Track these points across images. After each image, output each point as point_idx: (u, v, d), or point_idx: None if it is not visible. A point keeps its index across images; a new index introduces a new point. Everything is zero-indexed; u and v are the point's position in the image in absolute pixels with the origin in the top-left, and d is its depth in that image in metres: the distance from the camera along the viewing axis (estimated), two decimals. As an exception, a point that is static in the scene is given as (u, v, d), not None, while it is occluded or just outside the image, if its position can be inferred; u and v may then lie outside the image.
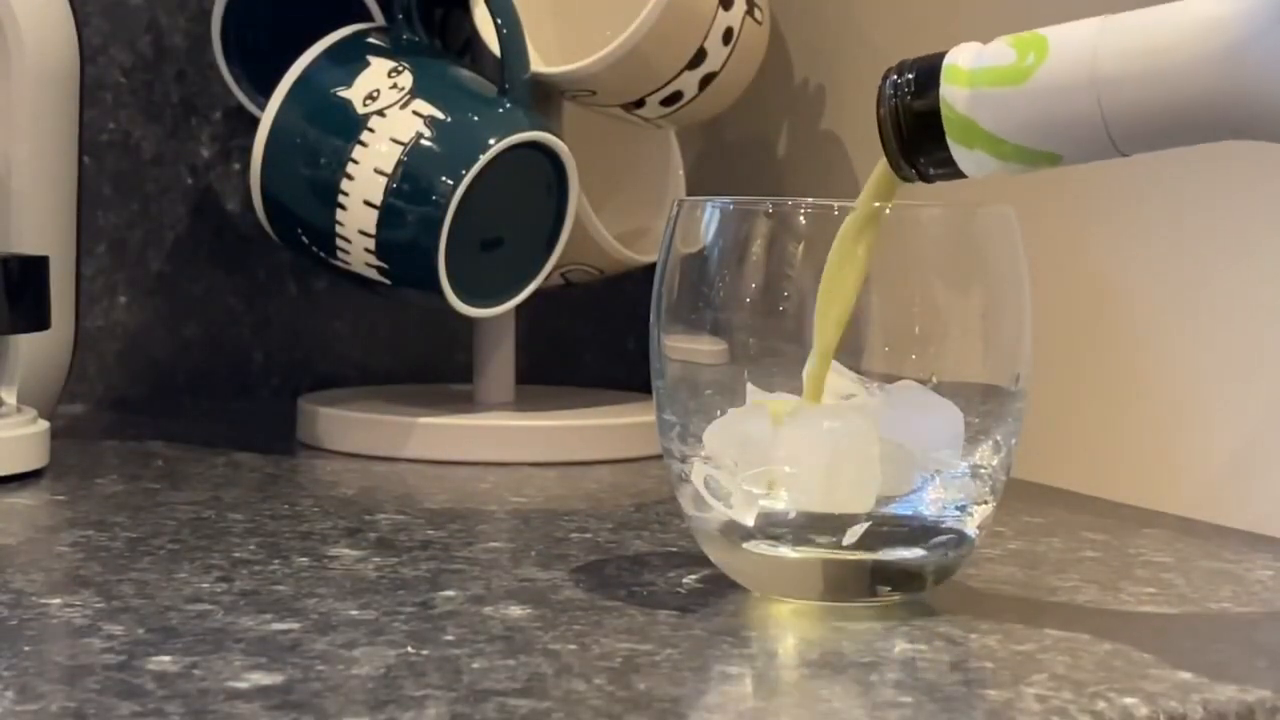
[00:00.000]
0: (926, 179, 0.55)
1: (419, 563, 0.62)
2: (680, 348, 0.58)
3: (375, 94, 0.82)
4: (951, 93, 0.53)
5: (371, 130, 0.81)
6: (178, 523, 0.68)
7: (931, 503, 0.57)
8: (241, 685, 0.47)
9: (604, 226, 0.89)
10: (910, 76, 0.54)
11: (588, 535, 0.67)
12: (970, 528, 0.57)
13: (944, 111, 0.53)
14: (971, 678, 0.50)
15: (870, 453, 0.55)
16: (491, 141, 0.81)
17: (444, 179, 0.80)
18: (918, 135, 0.54)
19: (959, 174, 0.54)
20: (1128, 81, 0.51)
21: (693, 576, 0.60)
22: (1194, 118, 0.51)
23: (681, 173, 0.96)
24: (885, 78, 0.54)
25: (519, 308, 0.86)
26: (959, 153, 0.53)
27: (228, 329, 1.02)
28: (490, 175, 0.81)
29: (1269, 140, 0.51)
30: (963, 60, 0.53)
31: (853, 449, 0.55)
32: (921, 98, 0.54)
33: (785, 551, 0.56)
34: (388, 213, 0.81)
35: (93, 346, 0.98)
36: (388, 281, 0.83)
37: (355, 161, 0.81)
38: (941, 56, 0.54)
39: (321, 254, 0.83)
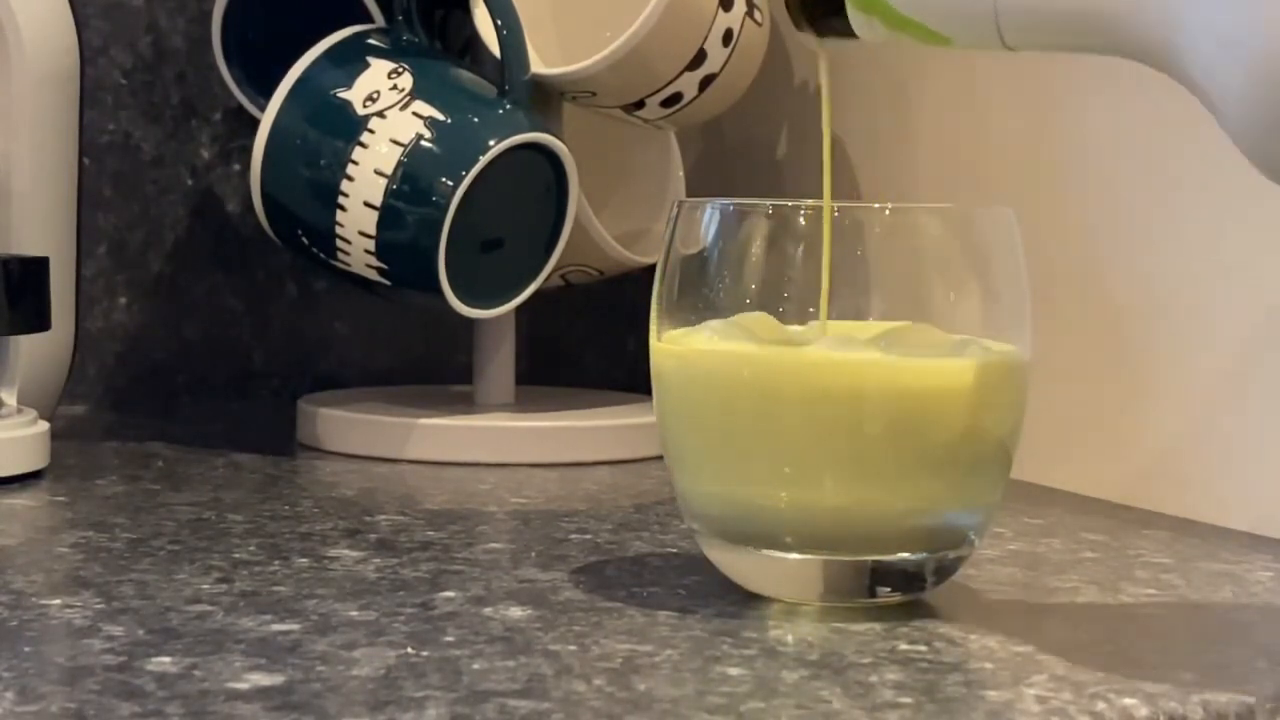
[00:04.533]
0: (820, 34, 0.56)
1: (419, 564, 0.62)
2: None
3: (375, 95, 0.82)
4: None
5: (371, 131, 0.81)
6: (178, 524, 0.68)
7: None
8: (242, 686, 0.47)
9: (604, 227, 0.89)
10: None
11: (588, 536, 0.67)
12: (970, 528, 0.57)
13: None
14: (971, 678, 0.50)
15: None
16: (491, 143, 0.81)
17: (444, 180, 0.80)
18: None
19: (852, 34, 0.55)
20: None
21: (693, 577, 0.60)
22: (1083, 26, 0.51)
23: (681, 174, 0.96)
24: None
25: (519, 309, 0.86)
26: (855, 16, 0.54)
27: (228, 329, 1.02)
28: (490, 176, 0.81)
29: (1156, 67, 0.50)
30: None
31: None
32: None
33: (785, 552, 0.56)
34: (388, 214, 0.81)
35: (93, 347, 0.98)
36: (388, 282, 0.83)
37: (355, 163, 0.81)
38: None
39: (321, 255, 0.83)
